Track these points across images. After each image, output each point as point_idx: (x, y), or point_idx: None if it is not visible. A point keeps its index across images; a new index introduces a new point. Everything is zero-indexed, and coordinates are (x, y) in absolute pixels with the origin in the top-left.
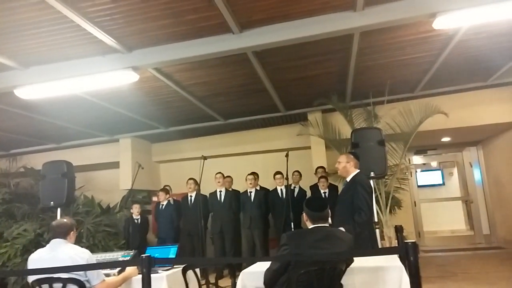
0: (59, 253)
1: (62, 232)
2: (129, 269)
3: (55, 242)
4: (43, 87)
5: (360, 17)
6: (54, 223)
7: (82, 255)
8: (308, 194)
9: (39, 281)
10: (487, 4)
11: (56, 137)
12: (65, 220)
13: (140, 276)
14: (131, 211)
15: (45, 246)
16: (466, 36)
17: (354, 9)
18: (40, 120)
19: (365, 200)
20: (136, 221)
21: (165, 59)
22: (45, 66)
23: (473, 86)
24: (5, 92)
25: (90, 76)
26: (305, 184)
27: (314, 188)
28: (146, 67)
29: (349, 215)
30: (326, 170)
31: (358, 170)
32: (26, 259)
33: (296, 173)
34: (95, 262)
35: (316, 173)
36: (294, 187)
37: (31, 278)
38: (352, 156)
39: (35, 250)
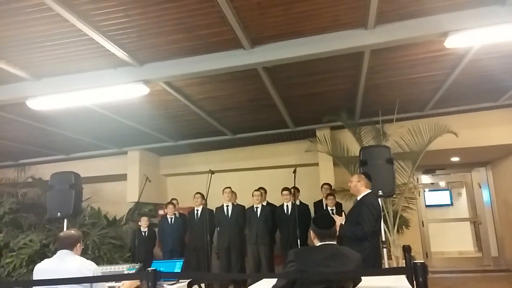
0: (66, 264)
1: (69, 244)
2: (127, 283)
3: (62, 253)
4: (54, 99)
5: (371, 35)
6: (62, 234)
7: (89, 267)
8: (312, 209)
9: None
10: (499, 24)
11: (65, 148)
12: (73, 231)
13: None
14: (139, 223)
15: (50, 257)
16: (477, 55)
17: (365, 27)
18: (50, 131)
19: (367, 218)
20: (143, 233)
21: (176, 73)
22: (57, 78)
23: (483, 106)
24: (17, 102)
25: (101, 88)
26: (311, 201)
27: (319, 204)
28: (156, 80)
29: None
30: (333, 187)
31: (369, 190)
32: (32, 270)
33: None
34: (101, 274)
35: (322, 189)
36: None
37: None
38: (363, 176)
39: (41, 260)
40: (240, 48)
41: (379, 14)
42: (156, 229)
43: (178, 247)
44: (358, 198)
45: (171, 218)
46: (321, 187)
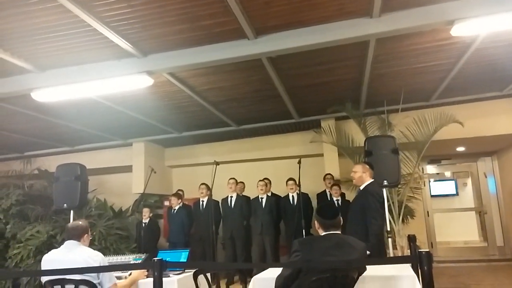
0: (73, 254)
1: (76, 234)
2: (136, 272)
3: (70, 244)
4: (59, 90)
5: (376, 24)
6: (69, 225)
7: (96, 258)
8: (315, 200)
9: (52, 282)
10: (505, 12)
11: (70, 140)
12: (80, 222)
13: (147, 279)
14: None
15: (57, 247)
16: (484, 44)
17: (371, 16)
18: (55, 123)
19: (377, 209)
20: (144, 224)
21: (180, 64)
22: (62, 70)
23: (489, 95)
24: (22, 94)
25: (105, 80)
26: (315, 191)
27: (322, 195)
28: (161, 71)
29: (358, 223)
30: (338, 178)
31: (372, 180)
32: (39, 261)
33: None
34: (107, 265)
35: (325, 180)
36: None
37: (44, 279)
38: (367, 166)
39: (48, 251)
40: (244, 38)
41: (384, 3)
42: (160, 220)
43: (182, 238)
44: (362, 188)
45: (175, 210)
46: (324, 177)
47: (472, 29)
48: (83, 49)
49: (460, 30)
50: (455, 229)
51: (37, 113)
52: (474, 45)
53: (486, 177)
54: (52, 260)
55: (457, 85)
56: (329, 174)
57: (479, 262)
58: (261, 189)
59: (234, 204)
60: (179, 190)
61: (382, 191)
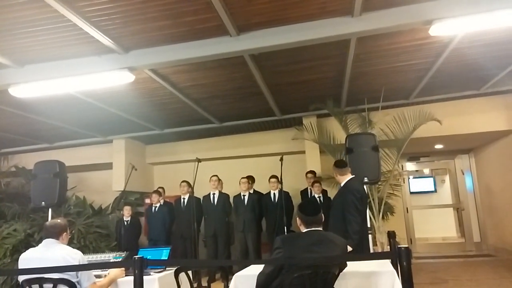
0: (51, 253)
1: (55, 233)
2: (114, 271)
3: (48, 242)
4: (37, 86)
5: (357, 23)
6: (47, 223)
7: (74, 256)
8: (294, 197)
9: (30, 281)
10: (483, 13)
11: (49, 137)
12: (59, 220)
13: (126, 278)
14: (122, 212)
15: (35, 246)
16: (461, 44)
17: (352, 15)
18: (33, 119)
19: (354, 205)
20: (126, 223)
21: (161, 60)
22: (40, 65)
23: (466, 94)
24: None
25: (86, 75)
26: (298, 188)
27: (304, 192)
28: (142, 68)
29: (339, 220)
30: (319, 175)
31: (352, 176)
32: (16, 260)
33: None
34: (86, 263)
35: (306, 177)
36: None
37: (21, 278)
38: (334, 167)
39: (25, 250)
40: (226, 35)
41: (365, 2)
42: (141, 218)
43: (163, 236)
44: (342, 185)
45: (156, 207)
46: (306, 175)
47: (450, 29)
48: (63, 45)
49: (438, 30)
50: (434, 225)
51: (14, 109)
52: (452, 44)
53: (463, 174)
54: (29, 258)
55: (435, 84)
56: (311, 172)
57: (456, 257)
58: (244, 187)
59: (216, 202)
60: (159, 187)
61: (363, 187)
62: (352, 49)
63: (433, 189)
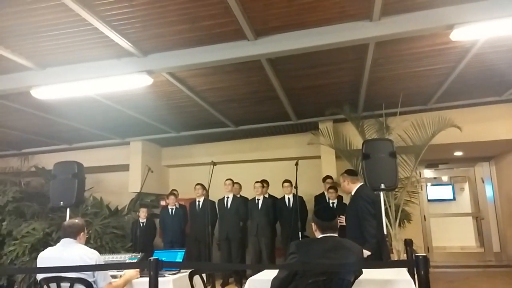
0: (69, 252)
1: (73, 232)
2: (129, 272)
3: (65, 242)
4: (58, 88)
5: (376, 27)
6: (65, 223)
7: (92, 256)
8: (308, 202)
9: (47, 280)
10: (505, 17)
11: (68, 138)
12: (76, 220)
13: (141, 279)
14: (138, 214)
15: (53, 245)
16: (483, 49)
17: (371, 19)
18: (53, 120)
19: (367, 210)
20: (141, 224)
21: (179, 64)
22: (62, 68)
23: (487, 100)
24: (22, 92)
25: (105, 78)
26: (312, 193)
27: (320, 198)
28: (160, 71)
29: (355, 228)
30: (335, 181)
31: (361, 183)
32: (34, 258)
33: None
34: (103, 263)
35: (324, 183)
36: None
37: (39, 276)
38: (345, 174)
39: (43, 249)
40: (244, 39)
41: (384, 6)
42: (157, 220)
43: (178, 238)
44: (353, 193)
45: (172, 209)
46: (323, 180)
47: (472, 33)
48: (84, 48)
49: (459, 35)
50: (452, 234)
51: (36, 111)
52: (473, 49)
53: (483, 182)
54: (48, 257)
55: (455, 90)
56: (329, 177)
57: (475, 267)
58: (258, 191)
59: (230, 205)
60: (173, 190)
61: (373, 193)
62: (370, 54)
63: (452, 197)
